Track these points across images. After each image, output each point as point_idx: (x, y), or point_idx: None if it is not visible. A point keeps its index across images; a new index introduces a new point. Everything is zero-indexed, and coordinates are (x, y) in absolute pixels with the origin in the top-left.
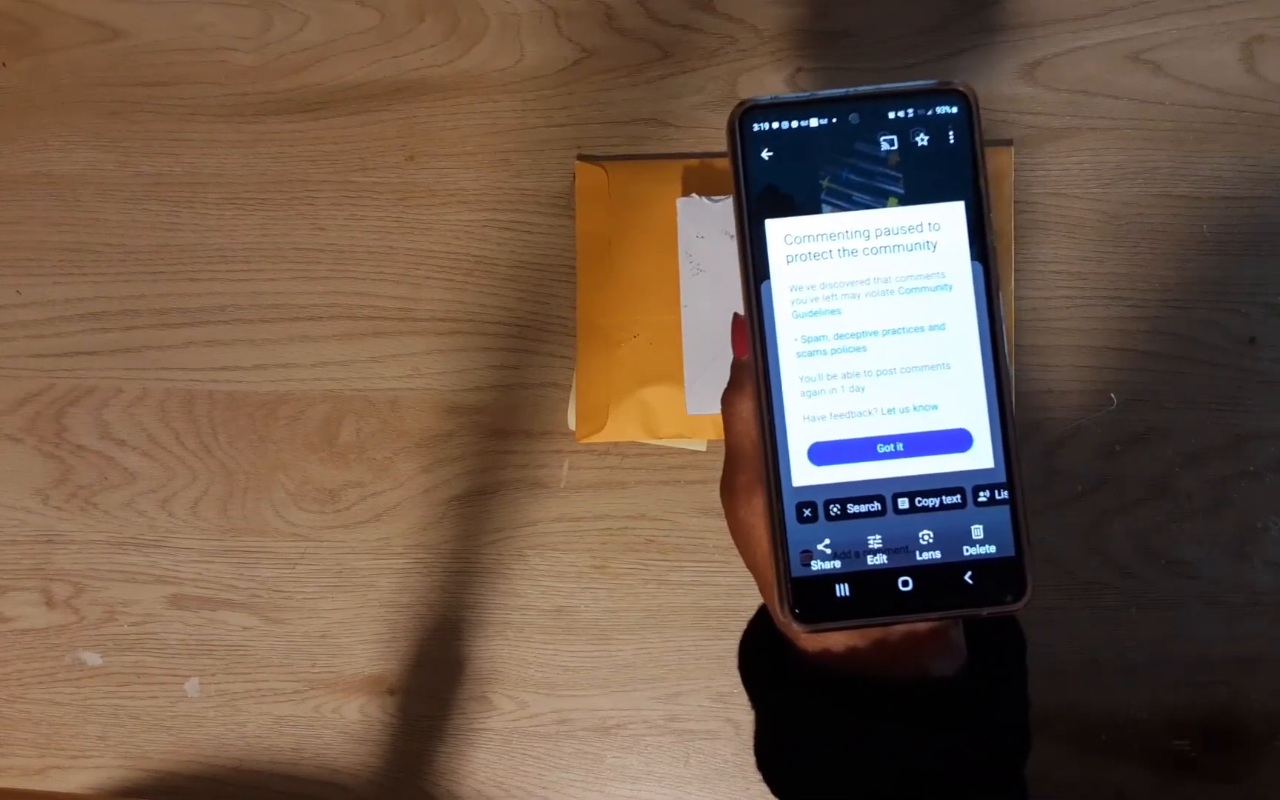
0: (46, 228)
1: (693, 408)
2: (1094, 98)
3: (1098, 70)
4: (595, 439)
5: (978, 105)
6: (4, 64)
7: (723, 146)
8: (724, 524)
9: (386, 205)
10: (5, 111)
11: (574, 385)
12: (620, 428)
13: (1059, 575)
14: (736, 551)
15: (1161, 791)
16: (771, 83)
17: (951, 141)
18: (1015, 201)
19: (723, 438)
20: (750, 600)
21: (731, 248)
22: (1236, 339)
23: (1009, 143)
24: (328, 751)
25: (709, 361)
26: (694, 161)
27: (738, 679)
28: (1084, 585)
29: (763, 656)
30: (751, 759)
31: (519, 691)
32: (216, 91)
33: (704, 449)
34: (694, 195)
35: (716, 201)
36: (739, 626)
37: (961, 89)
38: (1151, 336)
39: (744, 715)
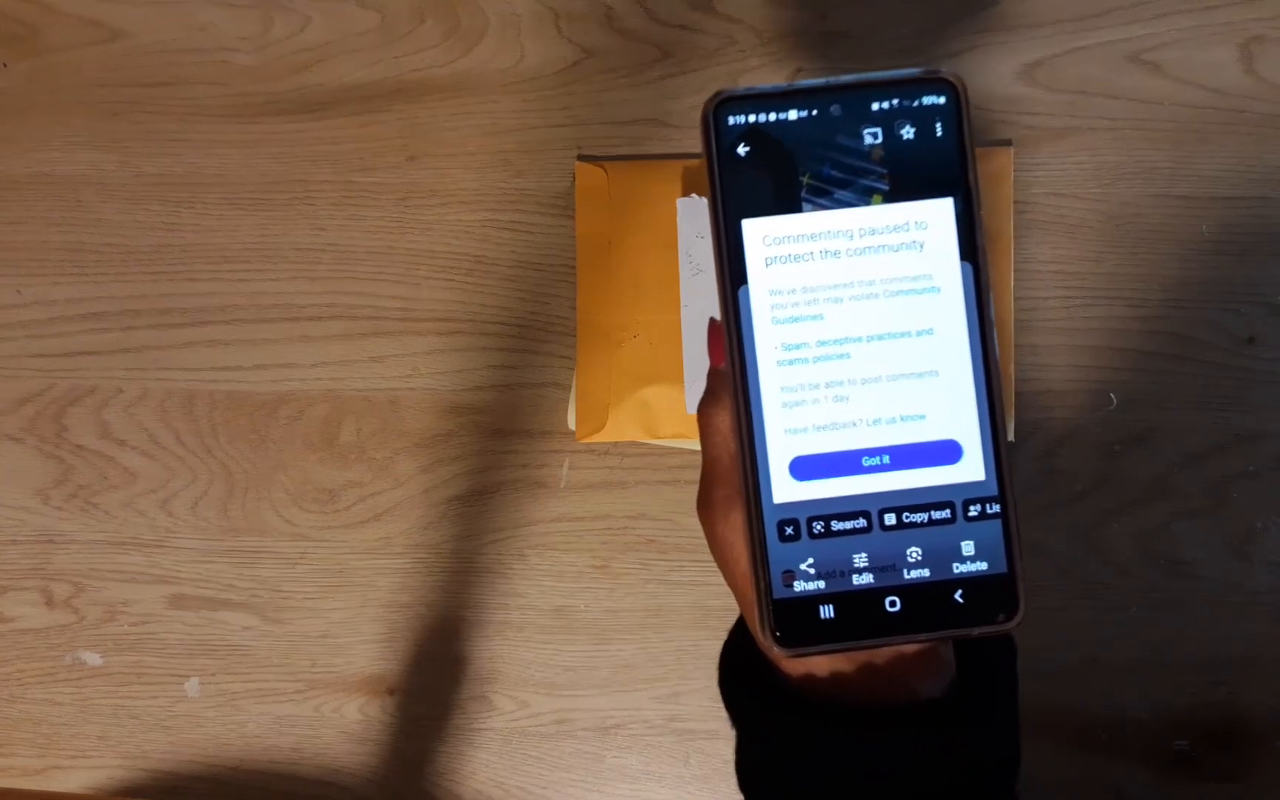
0: (47, 228)
1: (693, 408)
2: (1094, 98)
3: (1098, 70)
4: (595, 439)
5: (966, 95)
6: (4, 64)
7: None
8: None
9: (386, 205)
10: (5, 111)
11: (574, 385)
12: (620, 428)
13: (1059, 575)
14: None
15: (1161, 791)
16: (770, 83)
17: (939, 134)
18: (1015, 201)
19: None
20: None
21: None
22: (1236, 339)
23: (1009, 143)
24: (328, 751)
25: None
26: (694, 161)
27: None
28: (1084, 585)
29: (743, 675)
30: None
31: (519, 691)
32: (217, 92)
33: None
34: (694, 195)
35: None
36: None
37: (949, 78)
38: (1151, 336)
39: None
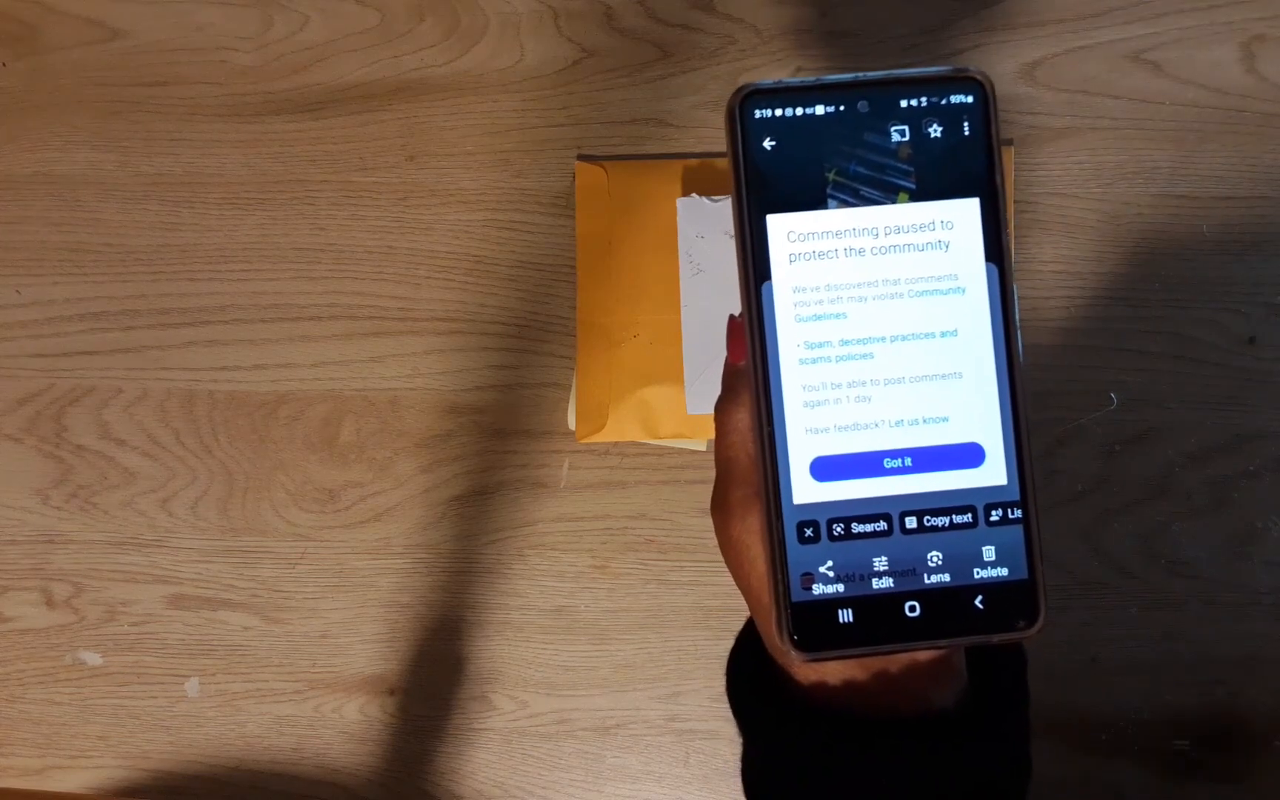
0: (46, 228)
1: (693, 408)
2: (1094, 98)
3: (1098, 70)
4: (595, 439)
5: (994, 95)
6: (4, 64)
7: (723, 147)
8: None
9: (386, 205)
10: (5, 111)
11: (574, 385)
12: (620, 428)
13: (1059, 575)
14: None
15: (1161, 791)
16: (798, 77)
17: (966, 133)
18: (1015, 201)
19: None
20: None
21: (732, 247)
22: (1236, 339)
23: (1009, 143)
24: (328, 751)
25: (709, 361)
26: (694, 161)
27: None
28: (1084, 585)
29: (753, 683)
30: None
31: (519, 691)
32: (216, 91)
33: (704, 449)
34: (694, 195)
35: (716, 201)
36: (739, 626)
37: (978, 77)
38: (1151, 336)
39: None
